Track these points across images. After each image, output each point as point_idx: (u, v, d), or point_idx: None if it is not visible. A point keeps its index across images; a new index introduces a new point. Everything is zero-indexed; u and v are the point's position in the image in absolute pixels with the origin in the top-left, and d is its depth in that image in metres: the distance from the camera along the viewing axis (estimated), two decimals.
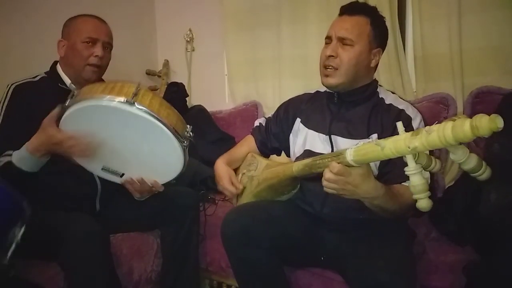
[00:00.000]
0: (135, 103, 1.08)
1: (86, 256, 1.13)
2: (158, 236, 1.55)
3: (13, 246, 0.76)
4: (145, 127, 1.12)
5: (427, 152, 0.90)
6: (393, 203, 1.07)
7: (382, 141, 0.87)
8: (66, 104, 1.12)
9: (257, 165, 1.41)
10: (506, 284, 0.99)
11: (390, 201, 1.06)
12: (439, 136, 0.74)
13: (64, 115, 1.13)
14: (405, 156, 0.85)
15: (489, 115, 0.69)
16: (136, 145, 1.21)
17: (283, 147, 1.47)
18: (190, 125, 1.24)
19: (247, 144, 1.52)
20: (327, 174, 0.97)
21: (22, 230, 0.81)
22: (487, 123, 0.68)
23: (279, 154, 1.53)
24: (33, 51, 1.81)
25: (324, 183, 1.00)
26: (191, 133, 1.22)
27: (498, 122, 0.68)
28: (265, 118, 1.57)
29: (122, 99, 1.07)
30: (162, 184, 1.32)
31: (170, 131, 1.13)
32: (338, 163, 0.96)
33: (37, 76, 1.41)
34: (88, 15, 1.43)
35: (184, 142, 1.18)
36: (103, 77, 1.47)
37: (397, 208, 1.08)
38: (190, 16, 2.59)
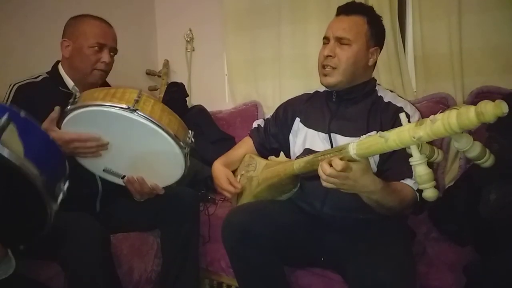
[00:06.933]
0: (137, 110, 1.08)
1: (86, 256, 1.13)
2: (158, 236, 1.55)
3: (61, 196, 0.83)
4: (146, 134, 1.12)
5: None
6: (391, 198, 1.07)
7: (385, 133, 0.86)
8: (68, 108, 1.12)
9: (256, 165, 1.41)
10: (506, 284, 0.99)
11: (388, 197, 1.06)
12: (443, 124, 0.74)
13: (65, 119, 1.14)
14: (409, 147, 0.85)
15: (493, 101, 0.69)
16: (137, 150, 1.21)
17: (283, 147, 1.46)
18: (192, 131, 1.24)
19: (245, 146, 1.52)
20: (328, 170, 0.96)
21: (67, 184, 0.87)
22: (492, 109, 0.68)
23: (277, 155, 1.53)
24: (34, 51, 1.81)
25: (324, 177, 0.98)
26: (192, 139, 1.23)
27: (503, 107, 0.68)
28: (264, 119, 1.57)
29: (124, 105, 1.07)
30: (162, 188, 1.32)
31: (172, 138, 1.13)
32: (341, 158, 0.95)
33: (39, 76, 1.40)
34: (93, 17, 1.41)
35: (185, 148, 1.18)
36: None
37: (395, 204, 1.09)
38: (190, 16, 2.59)
